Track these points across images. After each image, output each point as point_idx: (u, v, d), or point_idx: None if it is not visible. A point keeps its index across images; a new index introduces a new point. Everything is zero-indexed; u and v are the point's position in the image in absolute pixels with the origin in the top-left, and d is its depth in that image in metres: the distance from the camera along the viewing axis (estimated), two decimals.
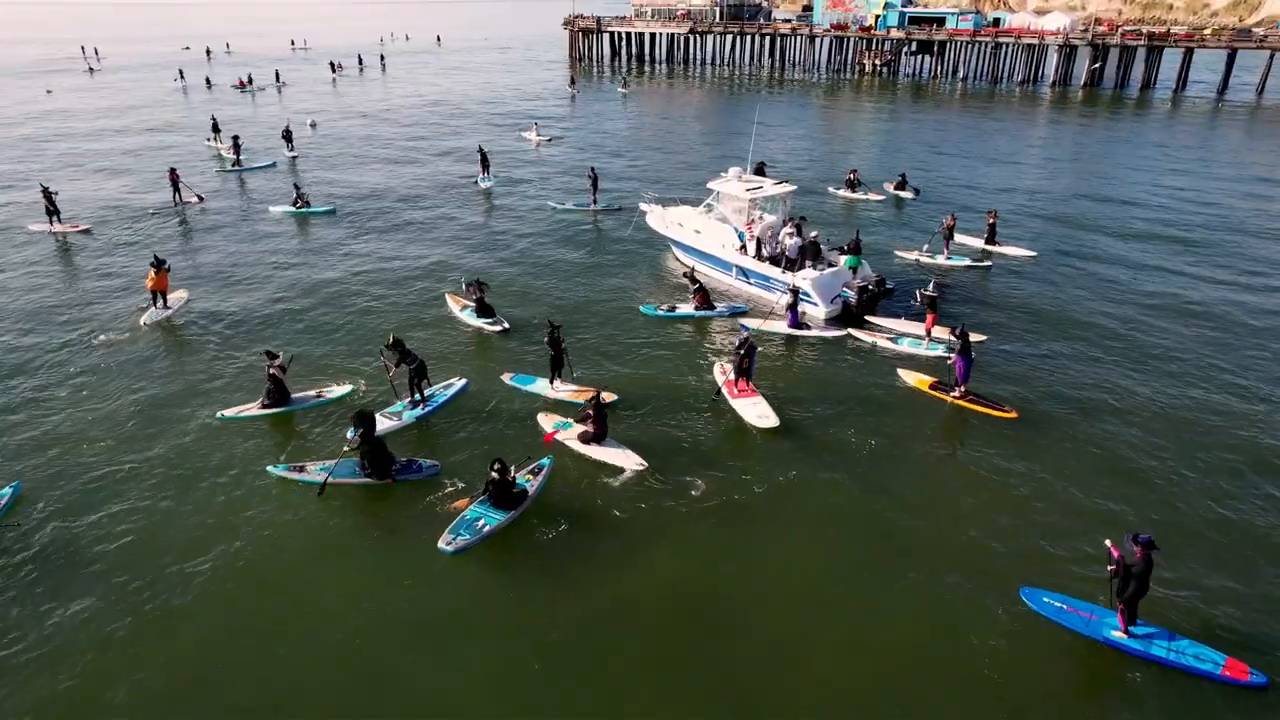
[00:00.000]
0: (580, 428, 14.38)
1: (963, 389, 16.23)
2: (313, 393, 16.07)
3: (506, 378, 16.86)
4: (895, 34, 74.88)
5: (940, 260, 24.61)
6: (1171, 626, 10.42)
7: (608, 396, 15.46)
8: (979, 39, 72.38)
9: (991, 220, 25.72)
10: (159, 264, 20.70)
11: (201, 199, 31.96)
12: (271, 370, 15.34)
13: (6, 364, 18.00)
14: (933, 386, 16.70)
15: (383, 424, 14.83)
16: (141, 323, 20.37)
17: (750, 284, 22.06)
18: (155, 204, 31.53)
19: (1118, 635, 10.21)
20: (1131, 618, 10.17)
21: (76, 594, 10.94)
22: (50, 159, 40.04)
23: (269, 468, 13.75)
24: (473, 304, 20.20)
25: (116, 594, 10.96)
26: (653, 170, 38.34)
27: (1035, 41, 70.32)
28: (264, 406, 15.42)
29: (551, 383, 16.31)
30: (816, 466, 14.07)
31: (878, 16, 76.60)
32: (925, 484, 13.72)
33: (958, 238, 25.34)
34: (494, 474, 12.21)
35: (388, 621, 10.56)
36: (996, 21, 78.65)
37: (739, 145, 41.80)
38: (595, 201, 30.98)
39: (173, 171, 31.92)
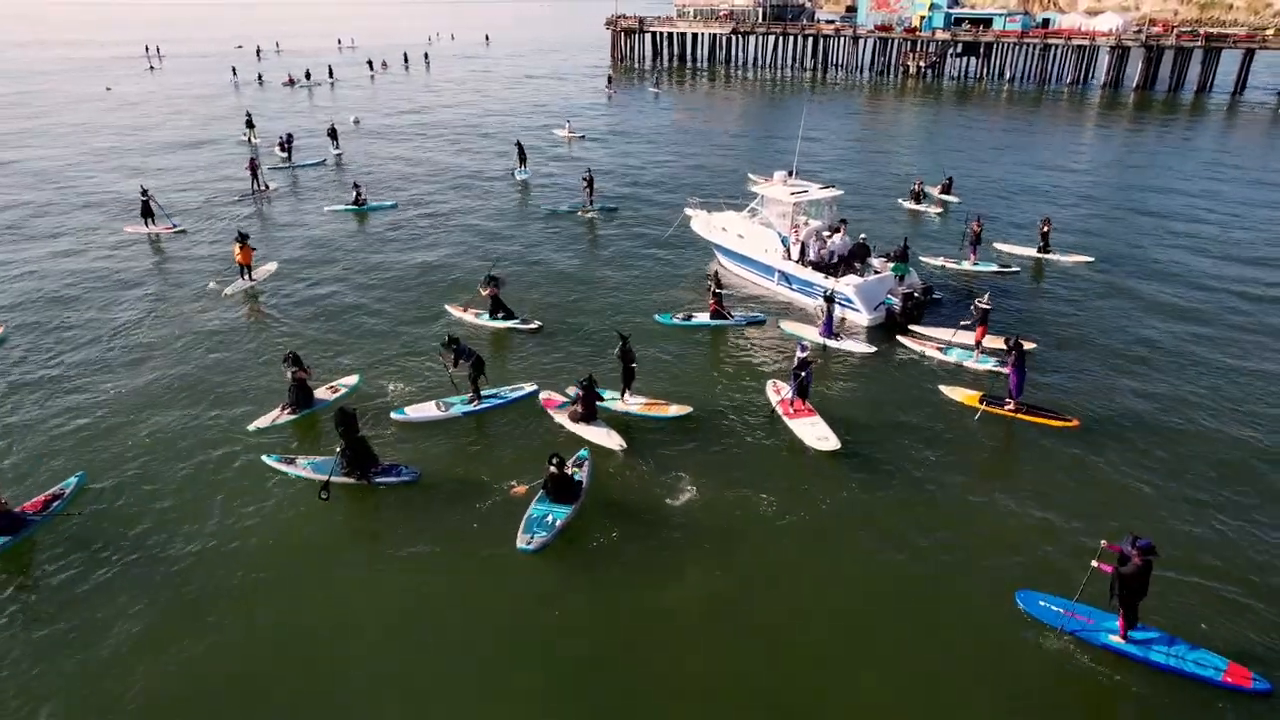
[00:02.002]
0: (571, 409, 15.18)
1: (1017, 401, 15.63)
2: (325, 390, 16.22)
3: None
4: (940, 35, 73.77)
5: (966, 265, 24.10)
6: (1173, 631, 10.17)
7: (682, 409, 15.43)
8: (1027, 40, 70.94)
9: (1045, 228, 24.89)
10: (243, 239, 22.79)
11: (268, 188, 34.00)
12: (293, 375, 15.41)
13: (85, 346, 18.93)
14: (984, 400, 15.98)
15: (426, 411, 15.31)
16: (227, 292, 22.26)
17: (793, 290, 21.72)
18: (237, 192, 33.50)
19: (1115, 640, 10.01)
20: (1131, 621, 9.96)
21: (130, 587, 11.12)
22: (117, 155, 41.62)
23: (263, 457, 13.99)
24: (486, 302, 20.19)
25: (170, 588, 11.11)
26: (689, 172, 38.33)
27: (1086, 43, 68.70)
28: (290, 411, 15.42)
29: (622, 395, 15.88)
30: (874, 488, 13.47)
31: (923, 18, 75.54)
32: (984, 501, 13.11)
33: (1009, 246, 24.69)
34: (552, 468, 12.35)
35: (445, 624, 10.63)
36: (1046, 22, 77.02)
37: (780, 148, 41.75)
38: (591, 203, 30.80)
39: (252, 161, 34.34)
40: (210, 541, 12.02)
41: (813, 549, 12.03)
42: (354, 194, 31.50)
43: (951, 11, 75.93)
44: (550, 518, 12.21)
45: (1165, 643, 9.95)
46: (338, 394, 16.07)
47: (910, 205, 31.07)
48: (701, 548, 11.97)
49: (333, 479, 12.93)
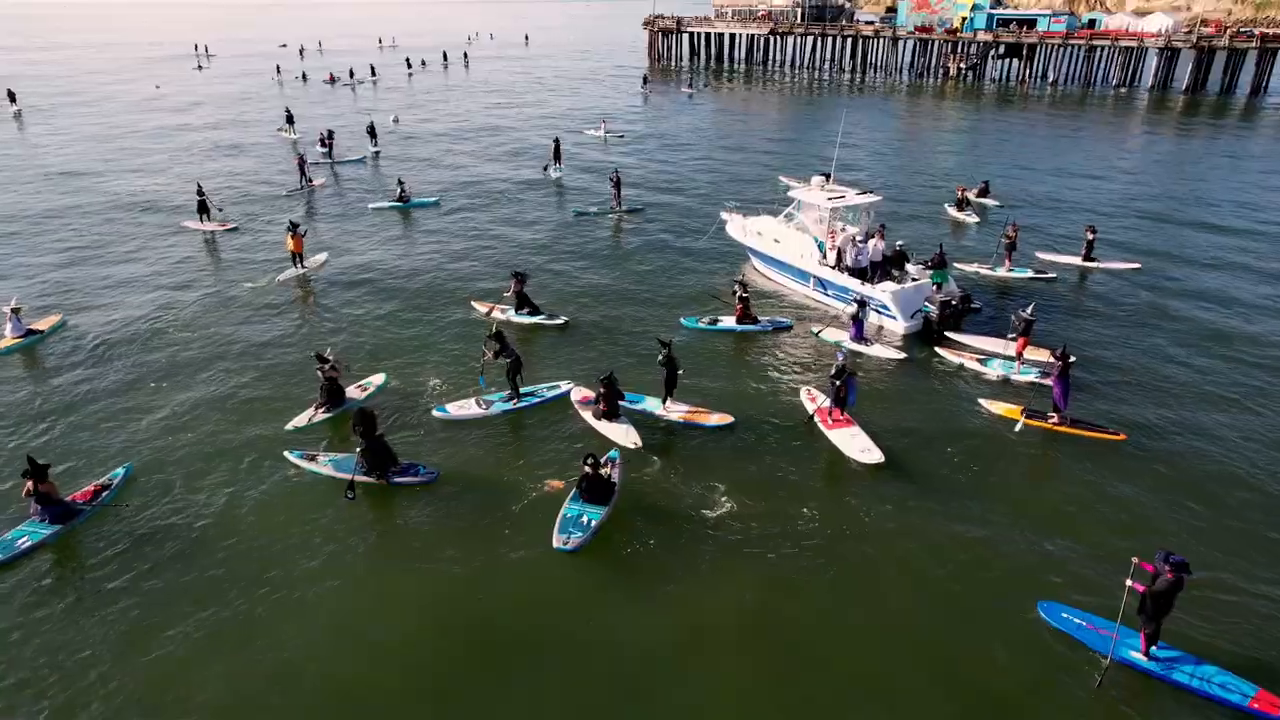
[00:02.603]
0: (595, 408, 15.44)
1: (1061, 415, 15.33)
2: (354, 388, 16.47)
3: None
4: (982, 36, 72.63)
5: (1001, 272, 23.74)
6: (1200, 652, 9.98)
7: (723, 418, 15.34)
8: (1072, 41, 69.54)
9: (1091, 236, 24.28)
10: (294, 227, 23.83)
11: (314, 183, 35.03)
12: (324, 374, 15.63)
13: (137, 337, 19.64)
14: (1026, 414, 15.51)
15: (468, 409, 15.60)
16: (279, 279, 23.26)
17: (828, 296, 21.59)
18: (285, 187, 34.69)
19: (1137, 656, 9.87)
20: (1154, 639, 9.81)
21: (170, 578, 11.42)
22: (165, 151, 42.82)
23: (285, 453, 14.31)
24: (512, 298, 20.45)
25: (208, 582, 11.37)
26: (723, 175, 38.29)
27: (1133, 44, 67.14)
28: (324, 410, 15.58)
29: (664, 402, 15.85)
30: (915, 502, 13.17)
31: (964, 19, 74.43)
32: (1026, 517, 12.81)
33: (1053, 255, 24.29)
34: (587, 468, 12.47)
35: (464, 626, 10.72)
36: (1092, 23, 75.35)
37: (816, 150, 41.51)
38: (619, 204, 30.90)
39: (300, 157, 35.52)
40: (246, 537, 12.30)
41: (853, 564, 11.79)
42: (398, 190, 32.08)
43: (994, 12, 74.66)
44: (585, 518, 12.27)
45: (1191, 663, 9.79)
46: (367, 392, 16.35)
47: (954, 213, 30.41)
48: (738, 559, 11.84)
49: (356, 478, 13.17)
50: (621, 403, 15.48)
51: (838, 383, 14.81)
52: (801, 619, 10.80)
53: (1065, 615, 10.54)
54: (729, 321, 20.28)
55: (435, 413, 15.63)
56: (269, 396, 16.74)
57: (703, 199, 32.94)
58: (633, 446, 14.56)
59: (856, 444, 14.41)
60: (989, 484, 13.77)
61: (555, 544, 11.86)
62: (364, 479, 13.35)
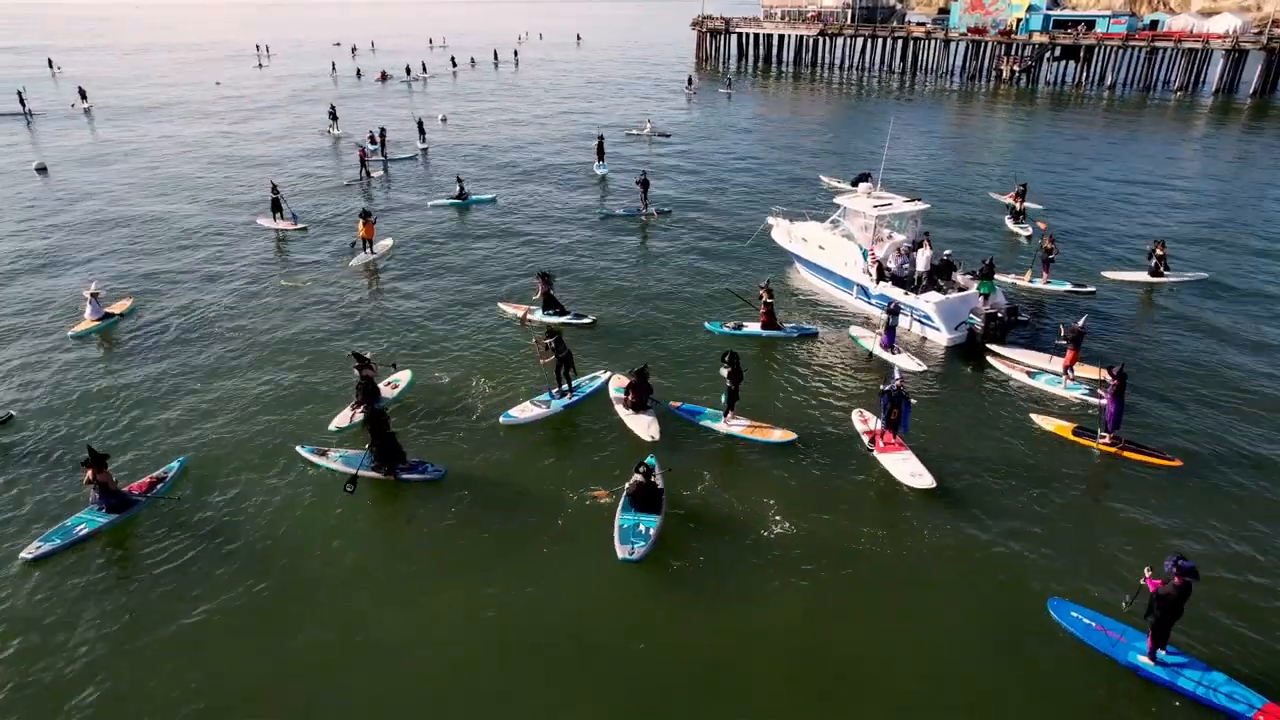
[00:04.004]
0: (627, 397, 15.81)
1: (1113, 435, 14.85)
2: (385, 386, 16.70)
3: (674, 405, 16.20)
4: (1038, 38, 70.96)
5: (1039, 284, 23.14)
6: (1209, 660, 9.82)
7: (785, 434, 15.17)
8: (1132, 43, 67.57)
9: (1161, 252, 23.32)
10: (366, 215, 25.48)
11: (372, 176, 36.36)
12: (361, 374, 15.79)
13: (201, 330, 20.45)
14: (1076, 432, 15.17)
15: (530, 411, 15.79)
16: (351, 264, 24.93)
17: (871, 304, 21.27)
18: (346, 178, 36.21)
19: (1143, 660, 9.75)
20: (1161, 643, 9.68)
21: (214, 570, 11.76)
22: (231, 147, 44.15)
23: (298, 448, 14.66)
24: (538, 299, 20.71)
25: (251, 576, 11.66)
26: (765, 177, 38.16)
27: (1198, 46, 64.97)
28: (362, 410, 15.68)
29: (726, 416, 15.59)
30: (968, 528, 12.80)
31: (1019, 20, 72.78)
32: (1078, 545, 12.38)
33: (1120, 273, 23.69)
34: (638, 476, 12.52)
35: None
36: (1154, 24, 73.07)
37: (862, 153, 41.06)
38: (646, 206, 30.80)
39: (361, 150, 37.17)
40: (292, 535, 12.62)
41: (901, 592, 11.50)
42: (457, 188, 32.74)
43: (1051, 13, 72.87)
44: (642, 527, 12.21)
45: (1198, 670, 9.66)
46: (398, 390, 16.64)
47: (1011, 225, 29.10)
48: (786, 580, 11.68)
49: (361, 473, 13.49)
50: (651, 396, 15.75)
51: (888, 405, 14.34)
52: (847, 644, 10.60)
53: (1075, 614, 10.47)
54: (753, 327, 20.08)
55: (501, 420, 15.69)
56: (323, 392, 17.14)
57: (741, 202, 32.94)
58: (649, 439, 14.79)
59: (907, 468, 13.99)
60: (1040, 512, 13.25)
61: (620, 555, 11.77)
62: (372, 474, 13.64)
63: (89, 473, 12.50)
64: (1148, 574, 9.74)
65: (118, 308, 21.43)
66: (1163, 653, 9.78)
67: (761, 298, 19.95)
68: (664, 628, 10.85)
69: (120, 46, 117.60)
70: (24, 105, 55.40)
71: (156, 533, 12.63)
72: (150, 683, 9.97)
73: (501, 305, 21.72)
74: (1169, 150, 44.00)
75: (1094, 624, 10.28)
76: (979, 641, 10.62)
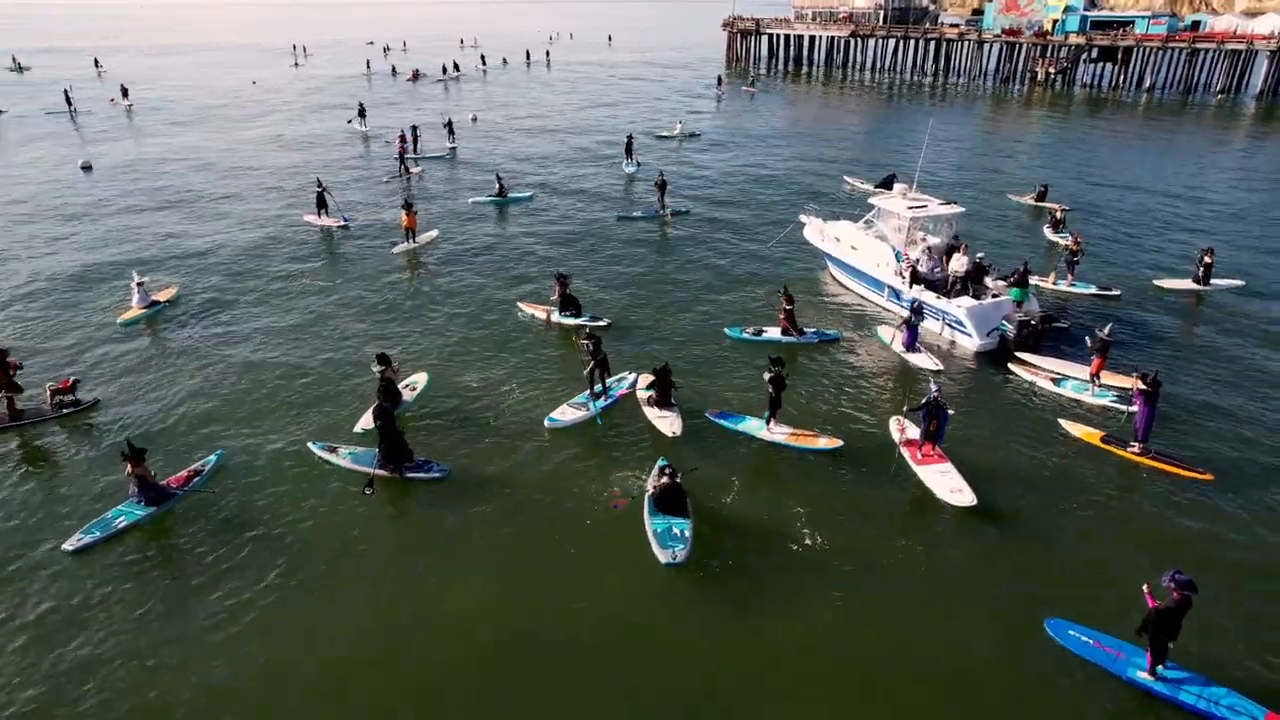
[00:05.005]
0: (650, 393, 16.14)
1: (1143, 445, 14.67)
2: (406, 390, 16.89)
3: (711, 414, 16.10)
4: (1074, 39, 69.87)
5: (1063, 286, 22.87)
6: (1210, 673, 9.76)
7: (831, 441, 15.04)
8: (1172, 44, 66.26)
9: (1208, 259, 22.78)
10: (408, 206, 26.80)
11: (410, 171, 37.31)
12: (381, 375, 15.90)
13: (242, 324, 21.01)
14: (1105, 440, 15.03)
15: (571, 414, 15.98)
16: (394, 251, 26.17)
17: (901, 305, 21.02)
18: (387, 174, 37.34)
19: (1143, 676, 9.73)
20: (1160, 657, 9.64)
21: (248, 563, 12.05)
22: (272, 144, 45.07)
23: (309, 444, 14.97)
24: (555, 300, 20.92)
25: (282, 569, 11.94)
26: (793, 178, 38.05)
27: (1241, 47, 63.55)
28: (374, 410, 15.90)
29: (768, 423, 15.39)
30: (1003, 545, 12.58)
31: (1055, 21, 71.72)
32: (1112, 563, 12.13)
33: (1170, 281, 23.25)
34: (665, 478, 12.58)
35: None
36: (1196, 25, 71.63)
37: (894, 155, 40.81)
38: (664, 208, 30.82)
39: (401, 146, 38.31)
40: (319, 529, 12.92)
41: (934, 608, 11.31)
42: (496, 185, 33.29)
43: (1089, 14, 71.75)
44: (676, 530, 12.19)
45: (1199, 684, 9.63)
46: (415, 392, 16.85)
47: (1050, 234, 28.20)
48: (816, 591, 11.58)
49: (373, 472, 13.75)
50: (674, 391, 15.96)
51: (924, 416, 14.11)
52: (873, 659, 10.52)
53: (1072, 633, 10.45)
54: (774, 332, 19.99)
55: (546, 423, 15.83)
56: (353, 387, 17.46)
57: (765, 204, 32.97)
58: (671, 436, 15.04)
59: (947, 482, 13.66)
60: (1070, 526, 13.04)
61: (663, 559, 11.70)
62: (379, 472, 13.89)
63: (128, 466, 12.94)
64: (1146, 590, 9.73)
65: (163, 296, 22.33)
66: (1162, 668, 9.77)
67: (781, 304, 19.86)
68: (689, 633, 10.90)
69: (157, 47, 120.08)
70: (70, 103, 56.94)
71: (192, 525, 13.00)
72: (180, 668, 10.31)
73: (521, 305, 21.99)
74: (1210, 155, 43.14)
75: (1092, 641, 10.28)
76: (1000, 658, 10.59)
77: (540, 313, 21.13)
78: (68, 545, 12.37)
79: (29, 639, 10.80)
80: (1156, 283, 23.49)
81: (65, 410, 16.33)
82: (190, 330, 20.70)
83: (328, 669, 10.39)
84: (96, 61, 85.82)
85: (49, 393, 16.43)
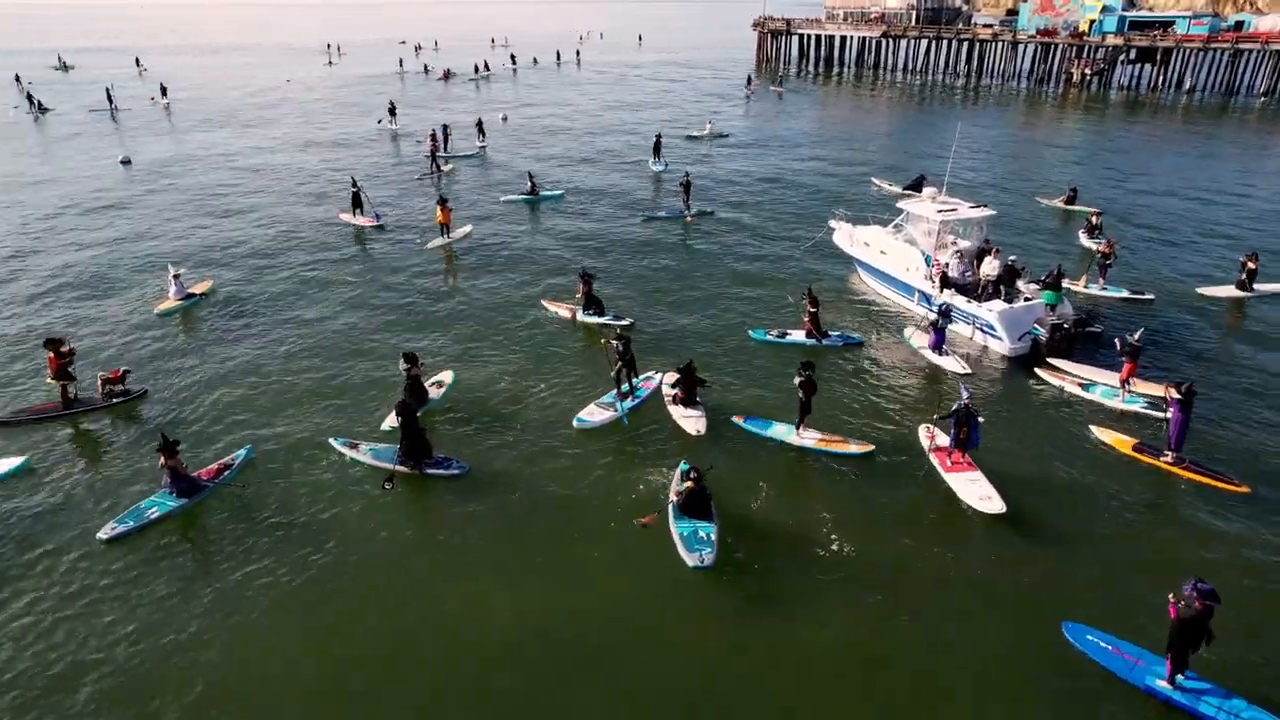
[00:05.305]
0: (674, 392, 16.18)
1: (1176, 454, 14.33)
2: (433, 387, 16.98)
3: (738, 420, 15.93)
4: (1112, 40, 68.60)
5: (1094, 290, 22.48)
6: (1231, 685, 9.57)
7: (863, 446, 14.94)
8: (1214, 45, 64.78)
9: (1251, 264, 22.23)
10: (443, 201, 27.48)
11: (442, 169, 38.02)
12: (407, 373, 15.98)
13: (276, 318, 21.41)
14: (1137, 448, 14.72)
15: (599, 415, 16.02)
16: (428, 246, 26.75)
17: (932, 310, 20.70)
18: (419, 170, 38.16)
19: (1162, 685, 9.57)
20: (1180, 666, 9.47)
21: (275, 556, 12.22)
22: (307, 143, 45.76)
23: (330, 440, 15.12)
24: (579, 298, 21.02)
25: (307, 564, 12.08)
26: (821, 179, 37.81)
27: None
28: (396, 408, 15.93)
29: (798, 429, 15.27)
30: (1033, 555, 12.33)
31: (1092, 21, 70.46)
32: (1144, 576, 11.81)
33: (1210, 289, 22.71)
34: (691, 482, 12.51)
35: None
36: (1239, 25, 69.95)
37: (924, 157, 40.37)
38: (688, 208, 30.72)
39: (433, 144, 38.96)
40: (342, 524, 13.06)
41: (962, 620, 11.11)
42: (528, 184, 33.55)
43: (1127, 14, 70.40)
44: (702, 534, 12.13)
45: (1219, 696, 9.47)
46: (442, 390, 16.95)
47: (1086, 241, 27.25)
48: (841, 597, 11.46)
49: (394, 468, 13.89)
50: (700, 390, 16.00)
51: (959, 423, 13.82)
52: (898, 665, 10.41)
53: (1090, 638, 10.30)
54: (798, 335, 19.85)
55: (575, 424, 15.81)
56: (381, 382, 17.65)
57: (793, 206, 32.78)
58: (694, 434, 15.14)
59: (976, 490, 13.44)
60: (1099, 536, 12.80)
61: (691, 563, 11.66)
62: (399, 469, 14.01)
63: (162, 458, 13.20)
64: (1172, 600, 9.54)
65: (199, 288, 22.90)
66: (1182, 677, 9.64)
67: (805, 307, 19.68)
68: (711, 637, 10.83)
69: (194, 47, 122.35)
70: (111, 101, 58.24)
71: (221, 517, 13.24)
72: (204, 654, 10.55)
73: (544, 303, 22.09)
74: (1253, 159, 42.11)
75: (1111, 647, 10.18)
76: (1019, 664, 10.43)
77: (564, 311, 21.21)
78: (101, 534, 12.65)
79: (59, 619, 11.12)
80: (1200, 290, 22.92)
81: (115, 400, 16.80)
82: (224, 323, 21.14)
83: (339, 663, 10.50)
84: (138, 60, 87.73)
85: (100, 382, 16.93)
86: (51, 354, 16.31)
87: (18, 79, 71.17)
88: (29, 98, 59.48)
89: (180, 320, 21.38)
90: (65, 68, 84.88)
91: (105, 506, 13.51)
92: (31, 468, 14.63)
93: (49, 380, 16.58)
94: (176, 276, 22.12)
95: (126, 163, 40.40)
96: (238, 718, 9.71)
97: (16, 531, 12.97)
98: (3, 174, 38.67)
